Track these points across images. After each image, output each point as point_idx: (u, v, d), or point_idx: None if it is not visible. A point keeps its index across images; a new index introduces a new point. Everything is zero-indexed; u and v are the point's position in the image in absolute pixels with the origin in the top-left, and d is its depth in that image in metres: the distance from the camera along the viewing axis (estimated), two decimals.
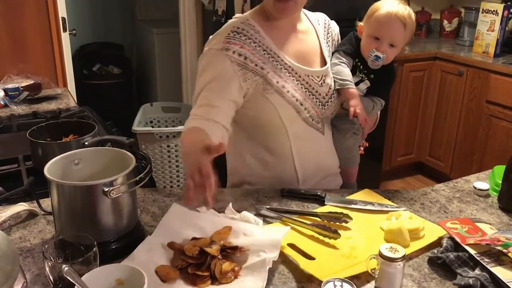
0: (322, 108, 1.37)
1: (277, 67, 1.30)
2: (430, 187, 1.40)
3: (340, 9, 2.32)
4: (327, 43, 1.45)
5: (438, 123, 3.40)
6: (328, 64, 1.40)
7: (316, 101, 1.36)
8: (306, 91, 1.34)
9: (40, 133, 1.48)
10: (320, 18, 1.47)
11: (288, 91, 1.30)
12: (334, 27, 1.50)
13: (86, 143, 1.38)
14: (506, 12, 3.01)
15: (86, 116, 1.93)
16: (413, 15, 1.37)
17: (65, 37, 2.66)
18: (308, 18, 1.44)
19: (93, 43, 4.37)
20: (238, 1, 2.83)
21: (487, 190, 1.34)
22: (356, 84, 1.40)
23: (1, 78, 2.21)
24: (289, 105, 1.30)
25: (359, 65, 1.40)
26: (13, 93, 2.14)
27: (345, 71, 1.38)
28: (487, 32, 3.11)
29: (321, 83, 1.37)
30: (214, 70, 1.26)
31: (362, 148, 1.56)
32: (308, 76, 1.35)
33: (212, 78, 1.26)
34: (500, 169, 1.35)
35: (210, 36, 1.33)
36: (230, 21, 1.34)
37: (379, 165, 3.25)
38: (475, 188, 1.35)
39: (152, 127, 3.18)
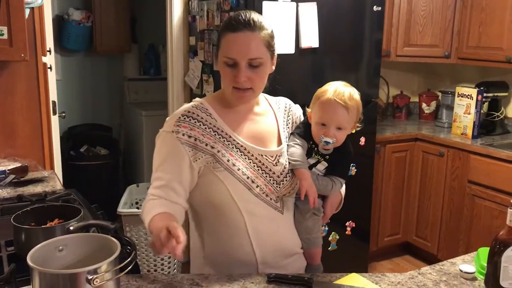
0: (276, 186, 1.41)
1: (229, 146, 1.36)
2: (417, 270, 1.39)
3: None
4: (287, 125, 1.51)
5: (423, 203, 3.43)
6: (284, 145, 1.46)
7: (270, 179, 1.40)
8: (258, 169, 1.38)
9: (25, 217, 1.47)
10: (281, 102, 1.55)
11: (238, 169, 1.35)
12: (296, 111, 1.57)
13: (71, 228, 1.37)
14: (480, 97, 3.16)
15: (71, 199, 1.92)
16: (355, 95, 1.42)
17: (54, 120, 2.71)
18: (268, 102, 1.53)
19: (82, 124, 4.44)
20: None
21: (473, 273, 1.34)
22: (314, 165, 1.45)
23: None
24: (239, 182, 1.35)
25: (313, 147, 1.45)
26: None
27: (298, 152, 1.42)
28: (464, 114, 3.24)
29: (276, 163, 1.42)
30: (167, 151, 1.35)
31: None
32: (262, 155, 1.40)
33: (165, 158, 1.35)
34: (484, 251, 1.36)
35: (167, 118, 1.41)
36: (184, 105, 1.42)
37: (366, 246, 3.23)
38: (461, 271, 1.35)
39: (138, 208, 3.16)
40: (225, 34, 1.34)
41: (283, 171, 1.42)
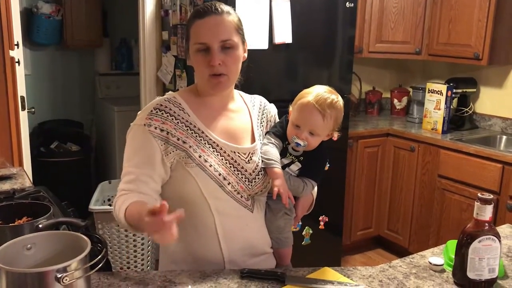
0: (248, 184, 1.40)
1: (201, 142, 1.35)
2: (388, 263, 1.42)
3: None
4: (261, 123, 1.51)
5: (394, 197, 3.49)
6: (257, 143, 1.45)
7: (242, 177, 1.39)
8: (230, 167, 1.38)
9: None
10: (256, 100, 1.55)
11: (210, 165, 1.34)
12: (271, 109, 1.58)
13: (40, 226, 1.34)
14: (449, 92, 3.23)
15: (41, 196, 1.88)
16: (338, 103, 1.42)
17: (23, 116, 2.65)
18: (243, 99, 1.52)
19: (52, 120, 4.35)
20: None
21: (442, 265, 1.37)
22: (288, 165, 1.44)
23: None
24: (211, 179, 1.33)
25: (289, 147, 1.45)
26: None
27: (272, 151, 1.42)
28: (434, 110, 3.31)
29: (248, 160, 1.41)
30: (138, 145, 1.33)
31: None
32: (234, 152, 1.39)
33: (136, 152, 1.33)
34: (453, 244, 1.39)
35: (138, 112, 1.39)
36: (156, 98, 1.40)
37: (339, 240, 3.27)
38: (430, 263, 1.38)
39: (110, 205, 3.11)
40: (193, 22, 1.34)
41: (256, 169, 1.41)
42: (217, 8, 1.33)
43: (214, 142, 1.37)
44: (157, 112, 1.33)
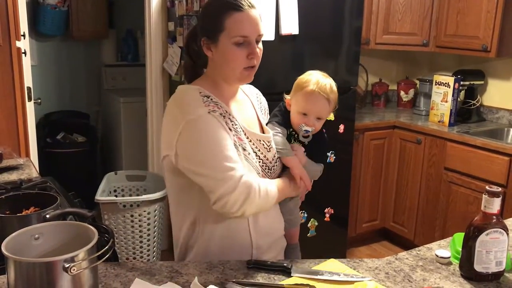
0: (268, 171, 1.42)
1: (237, 130, 1.36)
2: (394, 255, 1.42)
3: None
4: (262, 112, 1.54)
5: (400, 189, 3.48)
6: (269, 130, 1.48)
7: (263, 165, 1.40)
8: (254, 154, 1.39)
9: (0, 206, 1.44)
10: (252, 90, 1.57)
11: (249, 153, 1.35)
12: (263, 99, 1.60)
13: (48, 216, 1.35)
14: (457, 85, 3.21)
15: (48, 187, 1.89)
16: (334, 87, 1.47)
17: (30, 107, 2.65)
18: (243, 90, 1.53)
19: (58, 111, 4.36)
20: None
21: (449, 258, 1.37)
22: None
23: None
24: (252, 167, 1.35)
25: (293, 134, 1.49)
26: None
27: (282, 141, 1.46)
28: (441, 102, 3.29)
29: (269, 148, 1.43)
30: (216, 132, 1.28)
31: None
32: (259, 141, 1.41)
33: (220, 139, 1.27)
34: (459, 237, 1.39)
35: (176, 109, 1.32)
36: (184, 90, 1.35)
37: (345, 232, 3.26)
38: (437, 256, 1.38)
39: (116, 196, 3.13)
40: (229, 14, 1.29)
41: (274, 157, 1.44)
42: (250, 1, 1.34)
43: (242, 131, 1.38)
44: (205, 99, 1.31)
